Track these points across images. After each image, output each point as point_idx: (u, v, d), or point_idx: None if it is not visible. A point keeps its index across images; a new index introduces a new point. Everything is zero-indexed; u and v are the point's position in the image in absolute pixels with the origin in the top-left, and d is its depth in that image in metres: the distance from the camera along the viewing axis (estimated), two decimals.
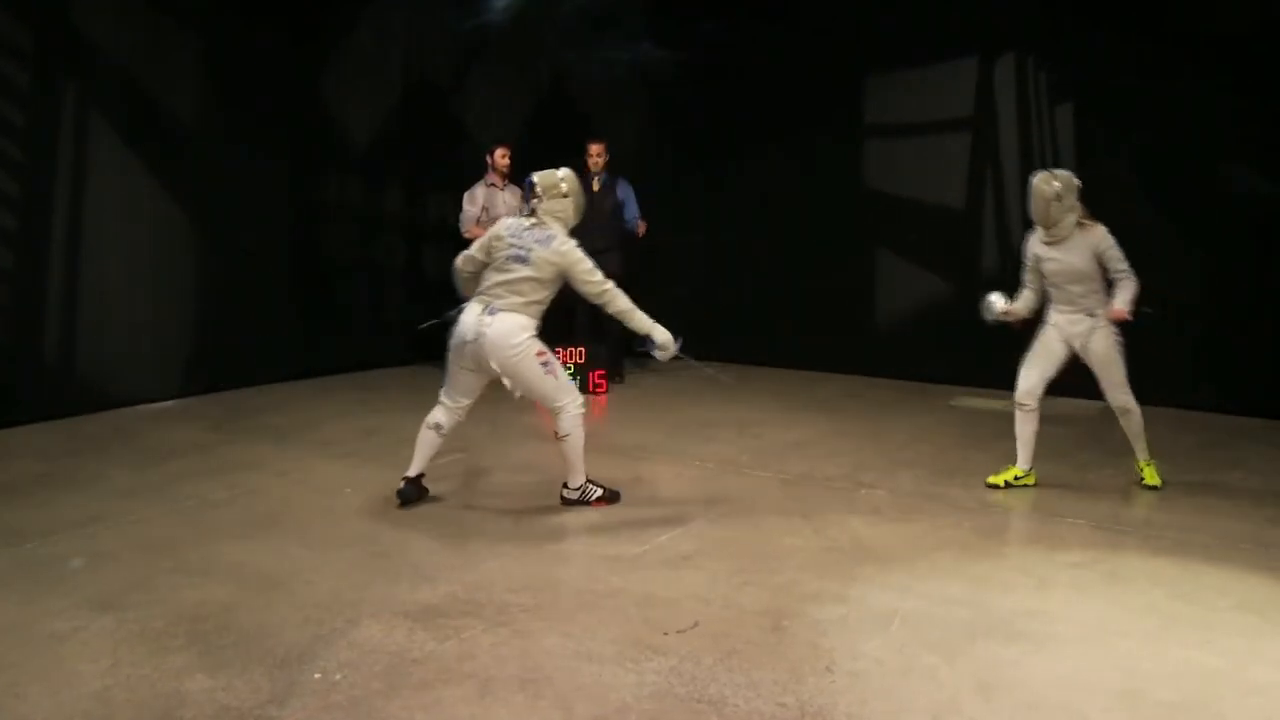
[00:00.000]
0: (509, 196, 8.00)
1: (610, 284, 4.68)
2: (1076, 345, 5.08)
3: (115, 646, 3.33)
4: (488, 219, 7.90)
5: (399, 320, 8.71)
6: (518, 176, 8.06)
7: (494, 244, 4.69)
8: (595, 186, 8.01)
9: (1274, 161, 6.78)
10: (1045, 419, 6.81)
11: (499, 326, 4.55)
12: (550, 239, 4.61)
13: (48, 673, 3.15)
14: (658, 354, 4.76)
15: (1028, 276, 5.20)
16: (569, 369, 7.62)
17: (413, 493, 4.82)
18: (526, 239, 4.62)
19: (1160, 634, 3.48)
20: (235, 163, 7.51)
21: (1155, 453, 5.22)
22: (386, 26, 8.67)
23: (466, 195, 7.97)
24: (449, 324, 4.73)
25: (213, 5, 7.41)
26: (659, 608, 3.67)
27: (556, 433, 4.75)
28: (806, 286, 8.71)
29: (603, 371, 7.71)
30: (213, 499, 4.95)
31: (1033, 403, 5.16)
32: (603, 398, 7.62)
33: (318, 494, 5.04)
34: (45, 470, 5.42)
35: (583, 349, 7.70)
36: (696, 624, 3.53)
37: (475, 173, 8.08)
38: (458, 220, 8.04)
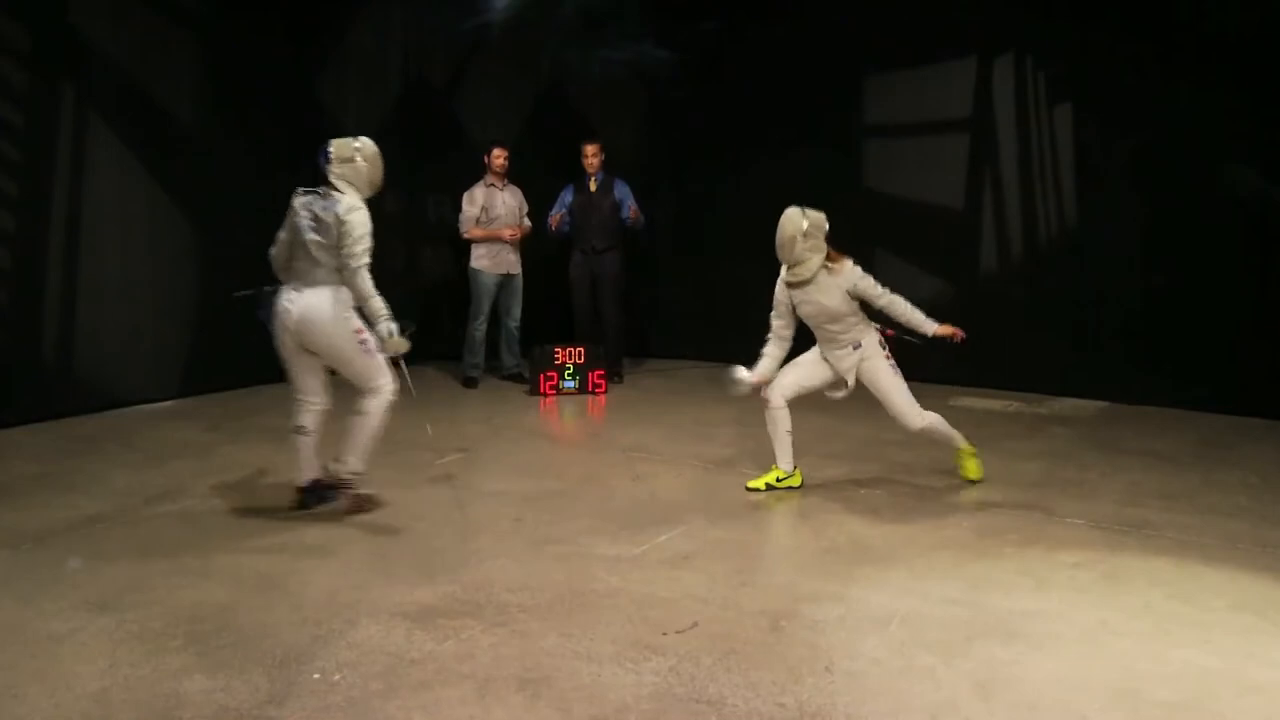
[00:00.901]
0: (508, 197, 8.01)
1: (360, 263, 4.48)
2: (850, 378, 5.03)
3: (113, 647, 3.33)
4: (487, 219, 7.91)
5: (398, 321, 8.71)
6: (515, 176, 8.10)
7: (293, 220, 4.60)
8: (592, 187, 8.01)
9: (1274, 161, 6.77)
10: (1045, 419, 6.87)
11: (305, 301, 4.49)
12: (334, 203, 4.51)
13: (45, 674, 3.15)
14: (384, 351, 4.57)
15: (777, 322, 5.08)
16: (568, 369, 7.62)
17: (312, 499, 4.74)
18: (315, 208, 4.54)
19: (1158, 634, 3.48)
20: (234, 162, 7.50)
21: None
22: (386, 26, 8.68)
23: (465, 196, 7.97)
24: (263, 298, 4.63)
25: (212, 5, 7.41)
26: (658, 608, 3.67)
27: (358, 409, 4.62)
28: None
29: (602, 371, 7.71)
30: (211, 499, 4.95)
31: (779, 402, 5.09)
32: (602, 398, 7.63)
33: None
34: (43, 471, 5.42)
35: (582, 349, 7.70)
36: (695, 624, 3.53)
37: (474, 173, 8.08)
38: (457, 221, 8.04)
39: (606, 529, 4.56)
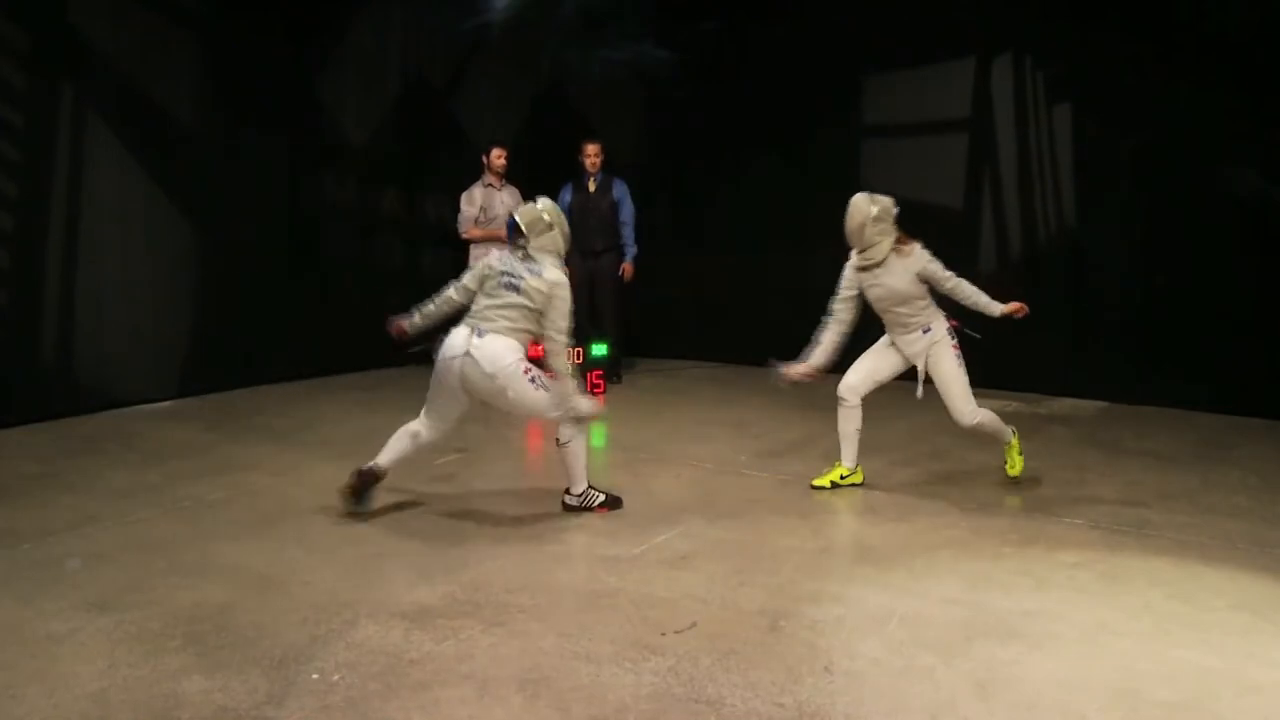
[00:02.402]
0: (506, 197, 8.00)
1: (565, 340, 4.62)
2: (919, 364, 5.03)
3: (112, 647, 3.33)
4: (485, 219, 7.91)
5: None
6: (514, 176, 8.09)
7: (486, 273, 4.68)
8: (591, 187, 8.01)
9: (1274, 161, 6.78)
10: (1045, 419, 6.86)
11: (487, 348, 4.51)
12: (543, 269, 4.59)
13: (44, 674, 3.15)
14: (573, 422, 4.67)
15: (839, 305, 5.09)
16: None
17: (370, 480, 4.70)
18: (519, 268, 4.61)
19: (1158, 634, 3.48)
20: (234, 162, 7.50)
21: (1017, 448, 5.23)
22: (386, 26, 8.67)
23: (464, 196, 7.97)
24: (431, 352, 4.69)
25: (212, 5, 7.41)
26: (657, 608, 3.67)
27: (558, 440, 4.72)
28: (805, 286, 8.70)
29: (600, 372, 7.70)
30: (210, 500, 4.95)
31: (854, 399, 5.11)
32: (600, 398, 7.62)
33: (315, 495, 5.02)
34: (42, 471, 5.41)
35: (580, 349, 7.69)
36: (694, 624, 3.53)
37: (474, 173, 8.08)
38: (456, 221, 8.04)
39: (606, 529, 4.56)
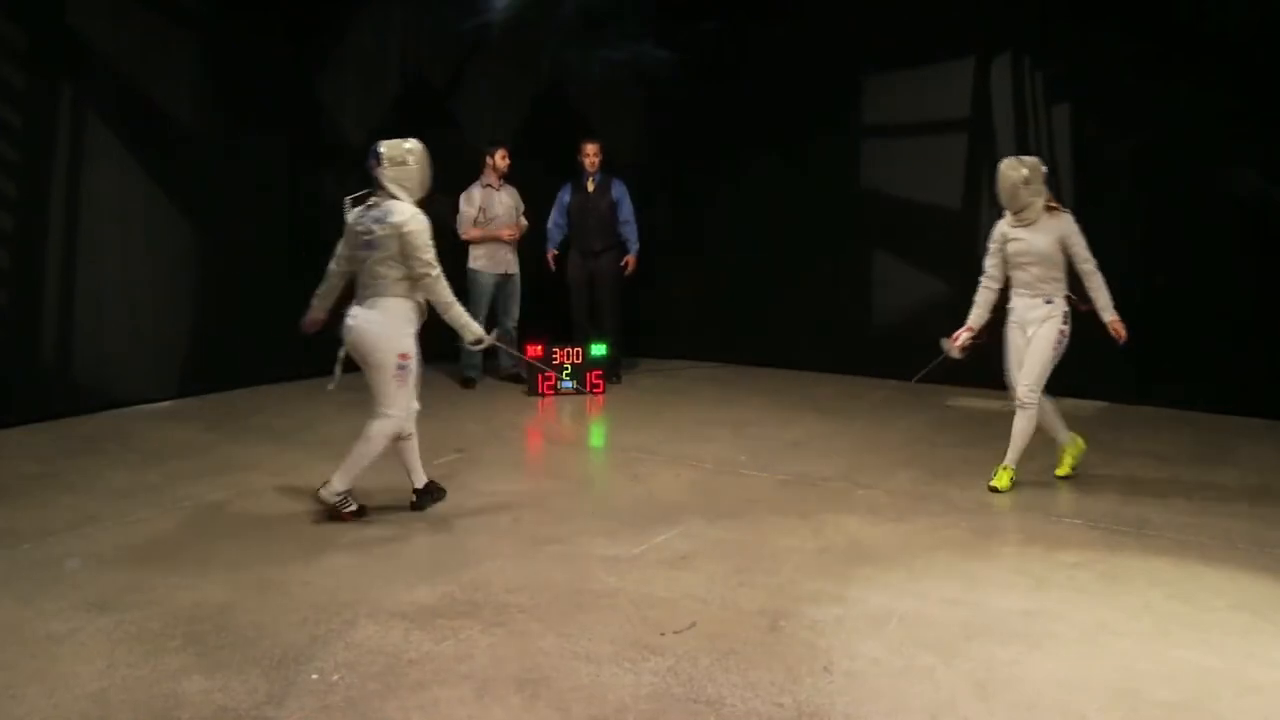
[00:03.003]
0: (505, 197, 8.00)
1: (438, 271, 4.52)
2: (1029, 332, 5.09)
3: (112, 647, 3.33)
4: (485, 220, 7.90)
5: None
6: (514, 176, 8.09)
7: (350, 238, 4.62)
8: (590, 187, 8.01)
9: (1274, 161, 6.77)
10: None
11: (364, 315, 4.53)
12: (388, 213, 4.50)
13: (44, 674, 3.15)
14: (470, 348, 4.75)
15: (990, 261, 5.25)
16: (565, 369, 7.61)
17: (426, 501, 4.81)
18: (366, 221, 4.53)
19: (1157, 634, 3.48)
20: (234, 162, 7.50)
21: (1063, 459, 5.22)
22: (386, 26, 8.67)
23: (463, 196, 7.96)
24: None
25: (212, 5, 7.41)
26: (656, 608, 3.67)
27: (363, 431, 4.62)
28: (804, 287, 8.71)
29: (600, 372, 7.70)
30: (210, 500, 4.95)
31: (1032, 399, 5.14)
32: (600, 398, 7.62)
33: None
34: (42, 471, 5.41)
35: (580, 349, 7.69)
36: (694, 624, 3.53)
37: (474, 174, 8.07)
38: (455, 221, 8.03)
39: (605, 529, 4.55)
